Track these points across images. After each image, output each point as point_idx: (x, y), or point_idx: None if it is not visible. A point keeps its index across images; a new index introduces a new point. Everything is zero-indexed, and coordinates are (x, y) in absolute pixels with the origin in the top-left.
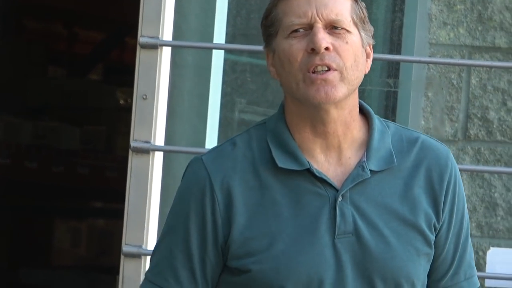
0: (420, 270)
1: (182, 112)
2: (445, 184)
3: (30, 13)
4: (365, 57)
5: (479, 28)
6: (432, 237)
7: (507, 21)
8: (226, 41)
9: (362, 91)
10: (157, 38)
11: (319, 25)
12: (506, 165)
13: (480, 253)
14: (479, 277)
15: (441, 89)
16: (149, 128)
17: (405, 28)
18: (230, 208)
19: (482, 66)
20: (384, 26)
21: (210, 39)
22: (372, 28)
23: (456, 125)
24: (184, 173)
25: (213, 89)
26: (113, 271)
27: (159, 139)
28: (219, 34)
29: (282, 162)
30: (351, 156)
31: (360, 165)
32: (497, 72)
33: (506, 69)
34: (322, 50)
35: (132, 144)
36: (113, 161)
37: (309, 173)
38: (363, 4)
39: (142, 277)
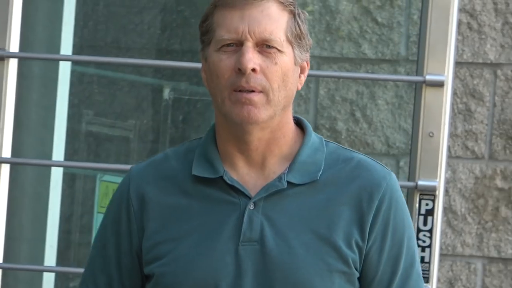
0: (331, 287)
1: (29, 124)
2: (375, 205)
3: None
4: (298, 73)
5: (327, 39)
6: (351, 255)
7: (355, 32)
8: (73, 52)
9: (210, 103)
10: (3, 49)
11: (249, 44)
12: None
13: None
14: None
15: None
16: None
17: None
18: (143, 215)
19: (330, 77)
20: None
21: (57, 50)
22: (310, 41)
23: None
24: None
25: (60, 101)
26: None
27: (6, 151)
28: (66, 45)
29: (198, 170)
30: (276, 170)
31: (278, 177)
32: (345, 82)
33: (354, 79)
34: (249, 71)
35: None
36: None
37: (223, 181)
38: (302, 17)
39: None
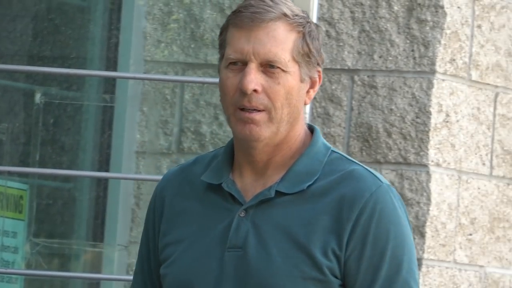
0: None
1: None
2: (355, 214)
3: None
4: (305, 89)
5: (192, 46)
6: (326, 263)
7: None
8: None
9: (80, 107)
10: None
11: (252, 65)
12: None
13: None
14: None
15: (155, 104)
16: None
17: (121, 46)
18: (162, 217)
19: (195, 82)
20: (101, 43)
21: None
22: (322, 56)
23: (170, 138)
24: None
25: None
26: None
27: None
28: None
29: (206, 176)
30: (274, 179)
31: (269, 186)
32: (209, 87)
33: (217, 85)
34: (250, 92)
35: None
36: None
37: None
38: (314, 34)
39: None
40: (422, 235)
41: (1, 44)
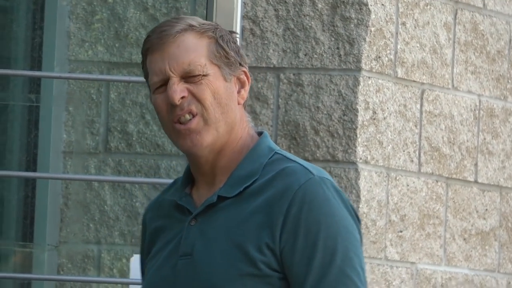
0: None
1: None
2: (285, 207)
3: None
4: (234, 89)
5: (117, 45)
6: (260, 258)
7: (143, 38)
8: None
9: (5, 107)
10: None
11: (174, 79)
12: (146, 175)
13: (124, 260)
14: (123, 284)
15: (81, 104)
16: None
17: (45, 45)
18: (145, 241)
19: (120, 81)
20: (25, 43)
21: None
22: (243, 57)
23: (97, 138)
24: None
25: None
26: None
27: None
28: None
29: (169, 195)
30: (221, 184)
31: (214, 192)
32: (135, 86)
33: (143, 83)
34: (177, 102)
35: None
36: None
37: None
38: (227, 38)
39: None
40: None
41: None
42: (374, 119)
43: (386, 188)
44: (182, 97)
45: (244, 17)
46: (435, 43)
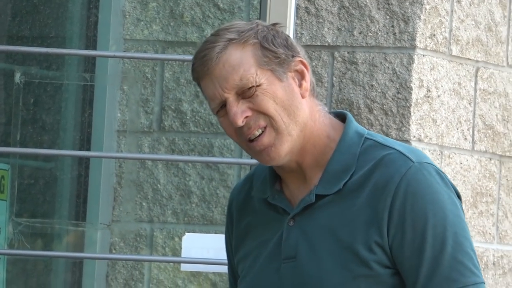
0: None
1: None
2: (389, 201)
3: None
4: (293, 84)
5: (172, 24)
6: (372, 258)
7: (198, 17)
8: None
9: (60, 86)
10: None
11: (230, 100)
12: (200, 154)
13: (176, 239)
14: (175, 263)
15: (136, 83)
16: None
17: (100, 25)
18: (232, 232)
19: (175, 60)
20: (80, 22)
21: None
22: (293, 49)
23: (151, 116)
24: None
25: None
26: None
27: None
28: None
29: (256, 191)
30: (315, 180)
31: (309, 191)
32: (189, 65)
33: None
34: (241, 124)
35: None
36: None
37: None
38: (270, 36)
39: None
40: None
41: None
42: (428, 97)
43: (440, 166)
44: (246, 117)
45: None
46: (490, 20)
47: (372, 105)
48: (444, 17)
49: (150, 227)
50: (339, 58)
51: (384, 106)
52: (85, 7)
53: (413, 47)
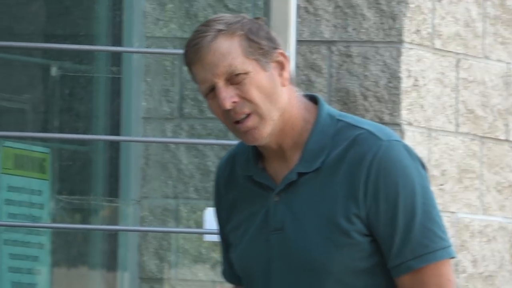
0: (341, 260)
1: None
2: (364, 177)
3: None
4: (275, 75)
5: (188, 23)
6: (351, 228)
7: (210, 16)
8: None
9: (91, 78)
10: None
11: (220, 84)
12: (217, 138)
13: (199, 212)
14: (199, 234)
15: (158, 75)
16: None
17: (124, 24)
18: (220, 204)
19: None
20: (107, 22)
21: None
22: (275, 41)
23: (172, 105)
24: None
25: None
26: None
27: None
28: None
29: (241, 168)
30: (295, 159)
31: (291, 170)
32: None
33: None
34: (229, 107)
35: None
36: None
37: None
38: (255, 28)
39: None
40: None
41: (19, 24)
42: (415, 85)
43: (428, 146)
44: (233, 102)
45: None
46: (467, 17)
47: (366, 93)
48: (427, 15)
49: (175, 202)
50: (336, 52)
51: (377, 94)
52: (110, 8)
53: (401, 42)
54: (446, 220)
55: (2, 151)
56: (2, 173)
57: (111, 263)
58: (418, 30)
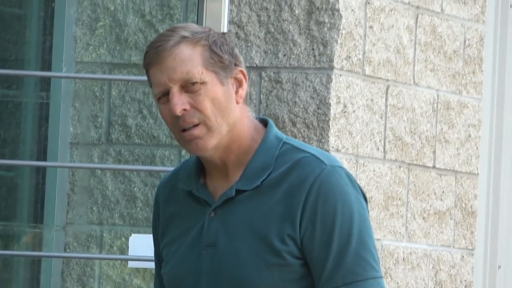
0: (271, 279)
1: None
2: (303, 198)
3: None
4: (232, 90)
5: (118, 48)
6: (284, 249)
7: (141, 41)
8: None
9: (19, 103)
10: None
11: (173, 90)
12: (143, 163)
13: (123, 239)
14: (123, 260)
15: (86, 100)
16: None
17: (54, 49)
18: (158, 220)
19: (121, 80)
20: (36, 46)
21: None
22: (237, 58)
23: (100, 130)
24: None
25: None
26: None
27: None
28: None
29: (182, 183)
30: (236, 176)
31: (230, 186)
32: (133, 85)
33: (141, 82)
34: (180, 113)
35: None
36: None
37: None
38: (220, 42)
39: None
40: None
41: None
42: (344, 112)
43: (355, 173)
44: (184, 109)
45: (230, 22)
46: (398, 44)
47: (295, 119)
48: (358, 41)
49: (100, 229)
50: (266, 78)
51: (306, 120)
52: (40, 33)
53: (331, 68)
54: None
55: None
56: None
57: None
58: (348, 57)
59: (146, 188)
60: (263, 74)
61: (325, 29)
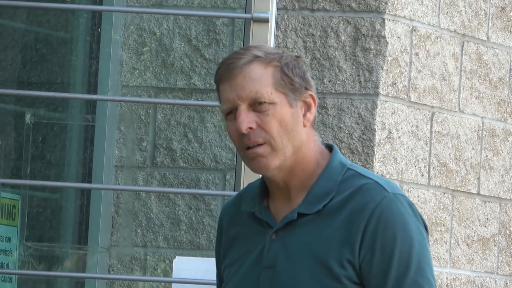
0: None
1: None
2: (363, 225)
3: None
4: (300, 113)
5: (163, 72)
6: (343, 273)
7: (186, 66)
8: None
9: (65, 126)
10: None
11: (242, 108)
12: (188, 187)
13: (167, 261)
14: (166, 283)
15: (132, 124)
16: None
17: (100, 72)
18: (221, 242)
19: (166, 104)
20: (83, 70)
21: None
22: (309, 82)
23: (145, 154)
24: None
25: None
26: None
27: None
28: None
29: (245, 205)
30: (299, 200)
31: (292, 209)
32: (179, 109)
33: (186, 106)
34: (245, 131)
35: None
36: None
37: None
38: (292, 64)
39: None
40: None
41: None
42: (389, 138)
43: None
44: (250, 128)
45: (276, 47)
46: (444, 71)
47: (340, 145)
48: (404, 68)
49: (144, 251)
50: None
51: (351, 146)
52: (87, 57)
53: (377, 94)
54: None
55: None
56: None
57: None
58: (394, 83)
59: (190, 211)
60: None
61: (371, 55)
